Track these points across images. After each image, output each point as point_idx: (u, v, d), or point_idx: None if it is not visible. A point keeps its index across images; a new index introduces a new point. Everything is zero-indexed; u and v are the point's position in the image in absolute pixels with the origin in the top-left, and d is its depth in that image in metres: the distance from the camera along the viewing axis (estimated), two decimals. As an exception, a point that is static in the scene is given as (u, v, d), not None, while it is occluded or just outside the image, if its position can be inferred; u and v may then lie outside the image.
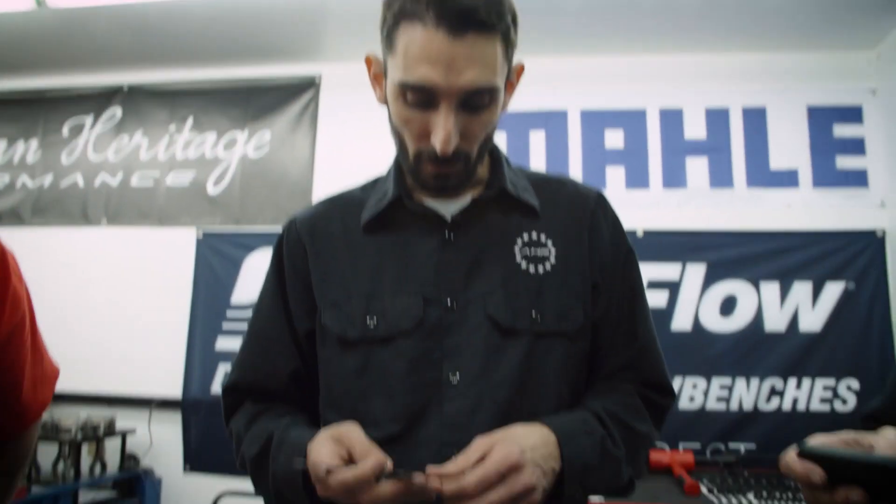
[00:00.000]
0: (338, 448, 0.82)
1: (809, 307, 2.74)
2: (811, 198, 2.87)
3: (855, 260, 2.75)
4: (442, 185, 0.95)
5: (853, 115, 2.93)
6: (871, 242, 2.76)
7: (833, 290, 2.74)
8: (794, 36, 2.91)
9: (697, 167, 2.94)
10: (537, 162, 2.99)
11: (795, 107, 2.96)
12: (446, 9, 0.84)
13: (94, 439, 2.82)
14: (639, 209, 2.85)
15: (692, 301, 2.79)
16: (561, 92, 3.04)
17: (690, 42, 2.99)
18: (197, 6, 2.78)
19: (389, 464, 0.78)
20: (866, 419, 0.95)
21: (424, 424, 0.92)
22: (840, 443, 0.70)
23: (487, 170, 1.04)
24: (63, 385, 1.05)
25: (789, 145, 2.92)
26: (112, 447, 2.94)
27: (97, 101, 3.47)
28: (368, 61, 1.00)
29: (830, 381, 2.67)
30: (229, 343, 3.06)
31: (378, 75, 0.98)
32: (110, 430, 2.89)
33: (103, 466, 2.87)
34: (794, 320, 2.74)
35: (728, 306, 2.78)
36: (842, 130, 2.92)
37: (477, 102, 0.89)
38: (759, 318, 2.76)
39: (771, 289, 2.77)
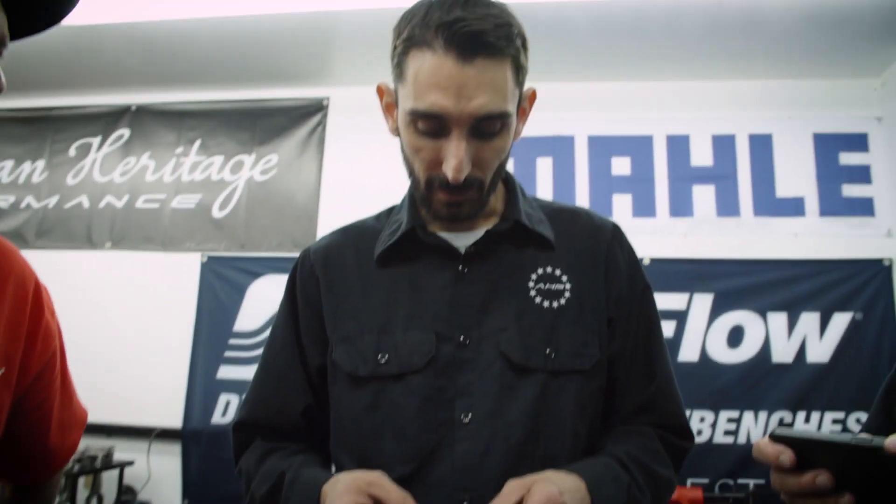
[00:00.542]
0: (361, 499, 0.79)
1: (817, 338, 2.72)
2: (818, 226, 2.86)
3: (862, 289, 2.73)
4: (454, 214, 0.94)
5: (859, 142, 2.93)
6: (878, 272, 2.75)
7: (841, 321, 2.72)
8: (799, 63, 2.91)
9: (704, 195, 2.94)
10: (544, 189, 2.99)
11: (801, 134, 2.95)
12: (455, 34, 0.83)
13: (91, 471, 2.75)
14: (646, 237, 2.82)
15: (699, 331, 2.77)
16: (568, 118, 3.04)
17: (696, 69, 2.99)
18: (207, 27, 2.79)
19: None
20: None
21: (435, 466, 0.90)
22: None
23: (502, 200, 1.03)
24: (61, 414, 1.01)
25: (795, 173, 2.92)
26: (109, 479, 2.88)
27: (105, 121, 3.47)
28: (380, 91, 0.99)
29: (840, 415, 2.65)
30: (232, 372, 3.03)
31: (390, 105, 0.97)
32: (108, 461, 2.81)
33: (100, 500, 2.81)
34: (801, 351, 2.72)
35: (735, 337, 2.76)
36: (848, 158, 2.91)
37: (488, 129, 0.88)
38: (766, 348, 2.74)
39: (778, 319, 2.75)
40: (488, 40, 0.84)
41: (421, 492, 0.87)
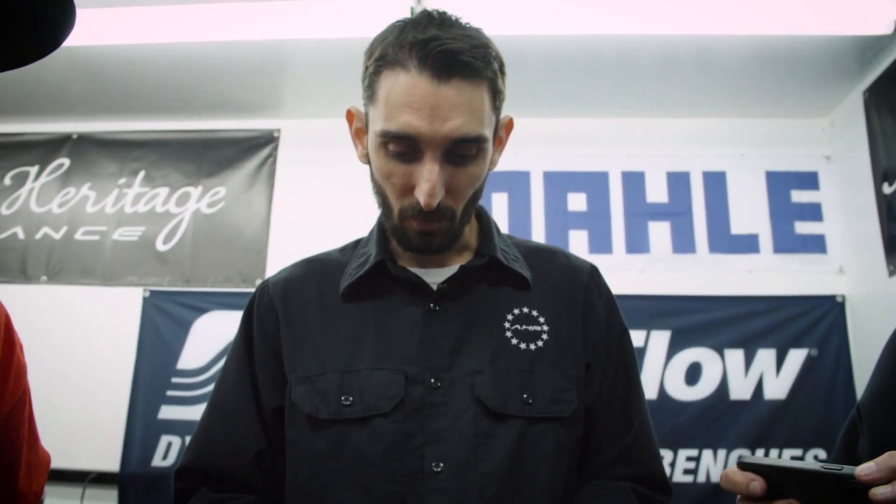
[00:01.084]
0: None
1: (774, 374, 2.71)
2: (772, 263, 2.88)
3: (817, 325, 2.75)
4: (425, 245, 0.89)
5: (810, 180, 2.97)
6: (831, 308, 2.77)
7: (796, 357, 2.72)
8: (750, 103, 2.96)
9: (660, 231, 2.94)
10: (500, 224, 2.93)
11: (754, 172, 2.99)
12: (430, 53, 0.79)
13: (20, 519, 2.59)
14: (603, 273, 2.79)
15: (657, 368, 2.74)
16: (524, 153, 3.02)
17: (651, 106, 3.02)
18: (154, 54, 2.69)
19: None
20: None
21: None
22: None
23: (476, 236, 0.99)
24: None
25: (749, 210, 2.94)
26: (40, 527, 2.71)
27: (44, 149, 3.31)
28: (350, 115, 0.94)
29: (797, 452, 2.63)
30: (174, 412, 2.87)
31: (360, 130, 0.93)
32: (39, 508, 2.66)
33: (29, 550, 2.64)
34: (759, 388, 2.70)
35: (693, 374, 2.74)
36: (799, 196, 2.95)
37: (463, 153, 0.83)
38: (724, 385, 2.72)
39: (736, 356, 2.74)
40: (464, 59, 0.80)
41: None
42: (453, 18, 0.86)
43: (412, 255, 0.96)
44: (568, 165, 3.03)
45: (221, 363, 2.93)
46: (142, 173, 3.22)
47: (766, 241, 2.90)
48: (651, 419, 0.99)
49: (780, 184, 2.96)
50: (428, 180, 0.82)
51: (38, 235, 3.21)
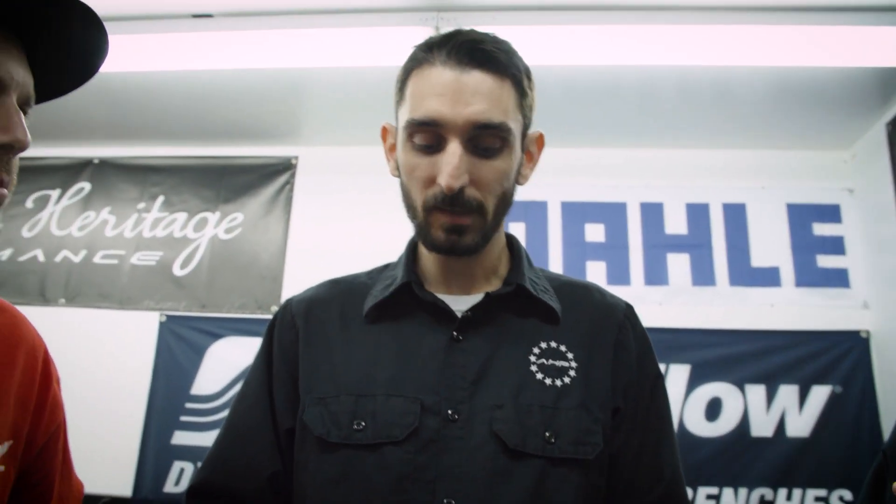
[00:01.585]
0: None
1: (797, 411, 2.64)
2: (794, 297, 2.83)
3: (841, 362, 2.68)
4: (454, 243, 0.86)
5: (832, 213, 2.93)
6: (856, 344, 2.70)
7: (820, 394, 2.65)
8: (771, 134, 2.94)
9: (679, 263, 2.90)
10: (517, 253, 2.93)
11: (775, 204, 2.95)
12: (453, 46, 0.82)
13: (30, 543, 2.58)
14: None
15: (676, 403, 2.68)
16: (541, 183, 2.99)
17: (670, 137, 3.00)
18: (175, 81, 2.73)
19: None
20: None
21: None
22: None
23: (506, 264, 0.97)
24: None
25: (770, 243, 2.90)
26: (50, 551, 2.69)
27: (65, 173, 3.36)
28: (384, 131, 0.95)
29: (822, 492, 2.55)
30: (187, 438, 2.86)
31: (393, 147, 0.93)
32: (49, 532, 2.65)
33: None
34: (781, 425, 2.63)
35: (713, 409, 2.68)
36: (821, 229, 2.91)
37: (485, 143, 0.83)
38: (745, 422, 2.65)
39: (757, 391, 2.68)
40: (486, 49, 0.82)
41: None
42: (481, 31, 0.89)
43: (441, 278, 0.94)
44: (586, 196, 3.01)
45: (235, 389, 2.93)
46: (161, 198, 3.25)
47: (787, 274, 2.85)
48: (681, 467, 0.94)
49: (801, 216, 2.92)
50: (449, 162, 0.81)
51: (58, 258, 3.23)
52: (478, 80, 0.82)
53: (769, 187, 2.97)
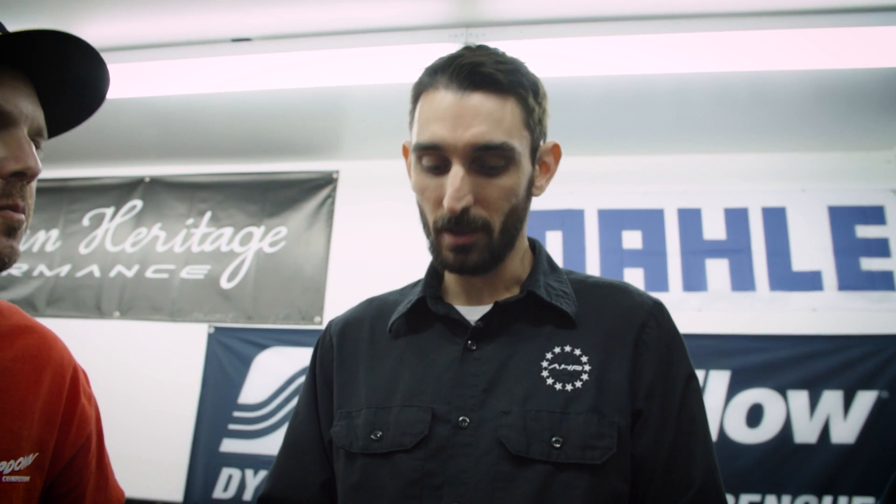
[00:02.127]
0: None
1: (841, 417, 2.60)
2: (837, 301, 2.78)
3: (887, 367, 2.62)
4: (462, 262, 0.88)
5: (875, 215, 2.87)
6: (902, 348, 2.65)
7: (865, 399, 2.60)
8: (810, 136, 2.89)
9: (718, 269, 2.88)
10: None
11: (816, 207, 2.91)
12: (455, 69, 0.84)
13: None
14: None
15: (717, 410, 2.66)
16: (577, 191, 3.03)
17: (706, 142, 2.98)
18: (219, 102, 2.83)
19: None
20: None
21: None
22: None
23: (529, 270, 0.97)
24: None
25: (812, 246, 2.86)
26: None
27: (119, 192, 3.51)
28: (405, 149, 0.98)
29: (869, 500, 2.50)
30: (235, 445, 2.95)
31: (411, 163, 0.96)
32: (106, 535, 2.75)
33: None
34: (825, 431, 2.59)
35: (755, 416, 2.65)
36: (865, 231, 2.85)
37: (489, 163, 0.85)
38: (787, 428, 2.61)
39: (799, 397, 2.64)
40: (487, 72, 0.84)
41: None
42: (490, 48, 0.90)
43: (460, 290, 0.97)
44: (622, 203, 3.02)
45: (281, 398, 3.00)
46: (208, 214, 3.37)
47: (829, 278, 2.81)
48: (718, 471, 0.90)
49: (843, 219, 2.87)
50: (451, 184, 0.84)
51: (113, 273, 3.37)
52: (478, 102, 0.84)
53: (810, 190, 2.94)
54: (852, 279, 2.80)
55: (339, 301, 0.97)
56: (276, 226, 3.29)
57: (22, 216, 0.77)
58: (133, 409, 3.08)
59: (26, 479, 0.82)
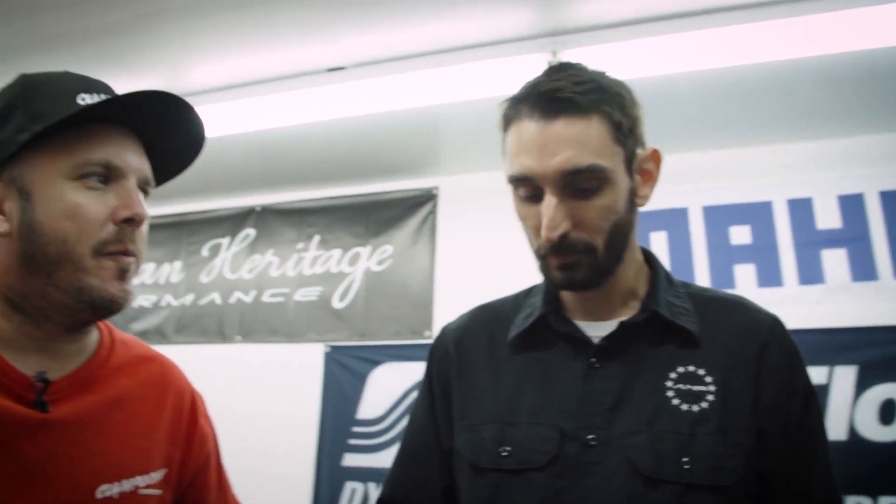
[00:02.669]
0: None
1: None
2: (972, 286, 2.60)
3: None
4: (569, 279, 0.90)
5: None
6: None
7: None
8: (930, 113, 2.73)
9: (835, 259, 2.74)
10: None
11: (942, 187, 2.73)
12: (534, 97, 0.86)
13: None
14: (773, 308, 2.61)
15: (845, 407, 2.53)
16: (679, 189, 2.97)
17: (812, 128, 2.85)
18: (320, 130, 2.95)
19: None
20: None
21: None
22: None
23: (645, 283, 0.98)
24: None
25: (940, 229, 2.69)
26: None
27: (233, 222, 3.72)
28: None
29: None
30: (356, 460, 3.05)
31: None
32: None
33: None
34: (970, 426, 2.43)
35: (888, 412, 2.51)
36: None
37: (582, 186, 0.86)
38: (926, 424, 2.47)
39: (937, 391, 2.48)
40: (566, 96, 0.85)
41: None
42: (574, 64, 0.91)
43: (578, 306, 0.98)
44: (727, 198, 2.94)
45: (397, 412, 3.07)
46: (317, 237, 3.52)
47: (963, 261, 2.63)
48: (839, 489, 0.91)
49: (973, 198, 2.69)
50: (545, 214, 0.86)
51: (232, 300, 3.58)
52: (561, 128, 0.84)
53: (932, 170, 2.76)
54: None
55: (447, 315, 1.00)
56: (382, 245, 3.39)
57: (132, 259, 0.85)
58: (257, 428, 3.24)
59: (159, 492, 0.90)
